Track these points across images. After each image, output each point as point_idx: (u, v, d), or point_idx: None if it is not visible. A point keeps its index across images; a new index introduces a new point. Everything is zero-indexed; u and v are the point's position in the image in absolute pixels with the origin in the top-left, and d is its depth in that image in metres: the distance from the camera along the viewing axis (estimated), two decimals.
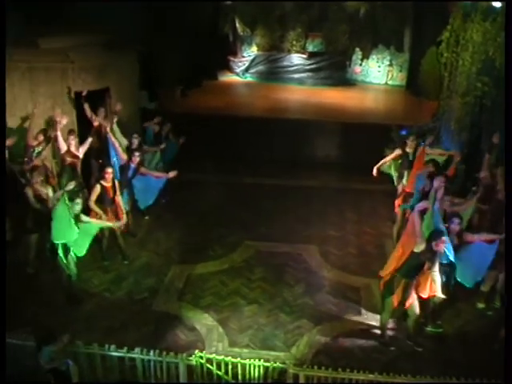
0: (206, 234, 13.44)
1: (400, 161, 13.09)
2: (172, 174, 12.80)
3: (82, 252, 10.60)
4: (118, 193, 12.01)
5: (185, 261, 12.40)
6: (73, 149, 12.91)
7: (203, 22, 20.85)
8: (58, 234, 10.28)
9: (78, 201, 10.52)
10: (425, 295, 9.59)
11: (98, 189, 11.76)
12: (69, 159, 12.88)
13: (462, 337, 10.14)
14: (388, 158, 13.34)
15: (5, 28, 10.34)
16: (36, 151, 12.75)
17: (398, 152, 13.09)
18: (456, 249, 9.59)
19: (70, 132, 13.17)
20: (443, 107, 15.10)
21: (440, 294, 9.54)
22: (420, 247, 9.05)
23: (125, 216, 12.16)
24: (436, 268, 9.26)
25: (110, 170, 11.80)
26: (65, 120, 13.05)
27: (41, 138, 13.01)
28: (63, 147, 12.90)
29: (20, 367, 7.83)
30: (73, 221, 10.21)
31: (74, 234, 10.28)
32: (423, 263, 9.19)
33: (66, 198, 10.12)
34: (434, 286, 9.44)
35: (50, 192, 11.31)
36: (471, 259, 9.71)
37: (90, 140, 13.24)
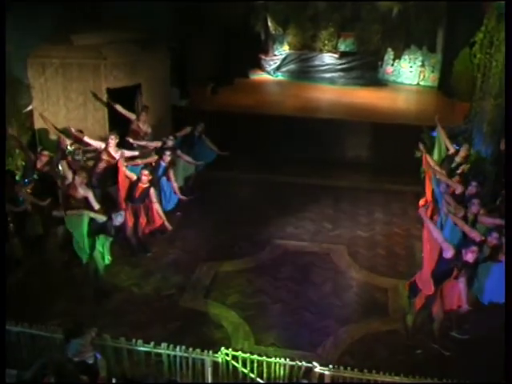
0: (234, 232, 13.47)
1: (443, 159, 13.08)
2: (184, 199, 13.34)
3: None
4: (154, 200, 12.12)
5: (212, 258, 12.44)
6: (111, 149, 12.82)
7: (235, 20, 20.85)
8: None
9: (122, 213, 10.66)
10: (452, 307, 9.49)
11: (134, 176, 12.04)
12: (105, 158, 12.81)
13: (491, 341, 10.02)
14: (446, 139, 13.32)
15: (4, 28, 10.44)
16: (68, 150, 12.88)
17: (452, 149, 13.00)
18: (483, 261, 9.48)
19: (111, 132, 13.20)
20: (475, 109, 14.91)
21: (466, 306, 9.35)
22: (447, 253, 8.96)
23: (166, 223, 12.32)
24: (463, 278, 9.16)
25: (146, 172, 11.93)
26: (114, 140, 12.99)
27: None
28: (100, 146, 12.97)
29: (48, 359, 7.89)
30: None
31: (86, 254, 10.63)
32: (451, 270, 9.09)
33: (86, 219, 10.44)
34: (460, 296, 9.32)
35: (91, 195, 11.37)
36: (496, 277, 9.46)
37: (136, 153, 13.26)
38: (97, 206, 11.20)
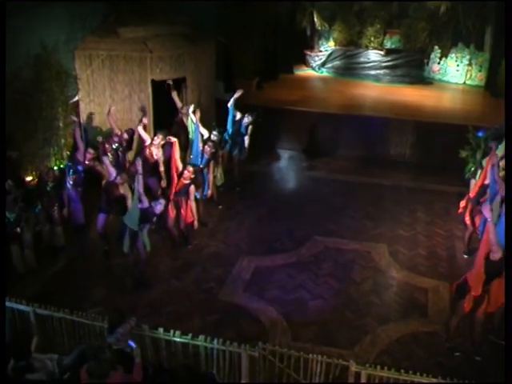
0: (275, 227, 13.46)
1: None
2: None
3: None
4: (192, 197, 12.19)
5: (253, 252, 12.46)
6: (153, 148, 12.90)
7: (281, 15, 20.89)
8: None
9: (162, 201, 10.77)
10: (497, 306, 9.33)
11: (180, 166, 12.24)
12: (146, 154, 12.92)
13: None
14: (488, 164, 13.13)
15: (5, 26, 10.57)
16: (113, 147, 13.07)
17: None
18: None
19: (160, 131, 13.32)
20: None
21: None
22: (495, 255, 8.83)
23: (196, 222, 12.45)
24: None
25: (190, 169, 11.97)
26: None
27: (125, 136, 13.30)
28: (146, 139, 13.10)
29: (86, 346, 8.01)
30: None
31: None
32: (499, 271, 8.96)
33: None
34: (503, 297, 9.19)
35: (130, 196, 11.44)
36: None
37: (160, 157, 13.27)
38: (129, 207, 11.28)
